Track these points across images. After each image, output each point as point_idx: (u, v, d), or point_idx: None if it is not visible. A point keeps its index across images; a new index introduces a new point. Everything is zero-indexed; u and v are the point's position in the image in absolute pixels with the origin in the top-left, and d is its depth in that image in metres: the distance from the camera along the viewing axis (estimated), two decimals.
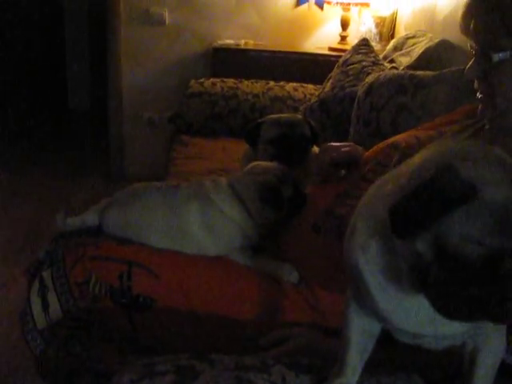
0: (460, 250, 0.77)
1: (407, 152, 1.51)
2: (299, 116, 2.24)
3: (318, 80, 3.44)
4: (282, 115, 2.22)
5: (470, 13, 1.34)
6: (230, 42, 4.01)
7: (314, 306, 1.45)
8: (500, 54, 1.28)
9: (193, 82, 3.58)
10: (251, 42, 4.05)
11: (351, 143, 1.81)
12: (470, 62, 1.38)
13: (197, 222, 1.61)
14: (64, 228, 1.71)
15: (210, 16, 4.11)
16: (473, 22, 1.34)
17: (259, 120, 2.17)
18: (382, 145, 1.67)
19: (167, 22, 4.14)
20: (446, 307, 0.80)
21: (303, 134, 2.07)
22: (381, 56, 3.36)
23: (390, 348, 1.13)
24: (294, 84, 3.55)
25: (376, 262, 0.90)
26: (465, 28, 1.38)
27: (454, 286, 0.78)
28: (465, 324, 0.88)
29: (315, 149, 2.11)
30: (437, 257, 0.79)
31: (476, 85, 1.41)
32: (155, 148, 4.23)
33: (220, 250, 1.61)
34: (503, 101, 1.35)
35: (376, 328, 1.01)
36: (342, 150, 1.70)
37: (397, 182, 0.88)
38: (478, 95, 1.42)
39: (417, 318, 0.90)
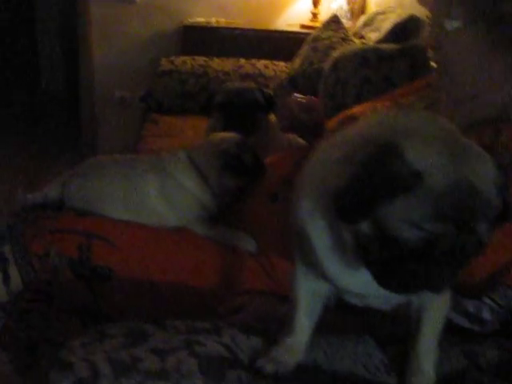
0: (399, 233, 0.79)
1: None
2: (253, 84, 2.25)
3: (290, 57, 3.43)
4: (236, 84, 2.25)
5: None
6: (200, 20, 3.99)
7: (270, 274, 1.47)
8: (453, 23, 1.30)
9: (163, 60, 3.57)
10: (222, 20, 4.02)
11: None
12: (426, 32, 1.40)
13: (154, 193, 1.62)
14: (26, 203, 1.71)
15: None
16: None
17: (214, 90, 2.23)
18: (341, 116, 1.69)
19: (137, 0, 4.10)
20: (387, 282, 0.84)
21: (253, 100, 2.08)
22: (351, 32, 3.37)
23: (341, 310, 1.15)
24: (265, 61, 3.55)
25: (323, 228, 0.91)
26: None
27: (393, 262, 0.81)
28: None
29: (273, 118, 2.13)
30: (377, 236, 0.81)
31: (431, 54, 1.43)
32: (127, 127, 4.20)
33: (178, 221, 1.62)
34: (456, 70, 1.37)
35: (324, 289, 1.02)
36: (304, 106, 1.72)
37: (343, 148, 0.89)
38: (434, 64, 1.44)
39: (363, 279, 0.91)
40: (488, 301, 1.16)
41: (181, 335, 1.01)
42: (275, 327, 1.10)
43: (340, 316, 1.17)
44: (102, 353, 0.94)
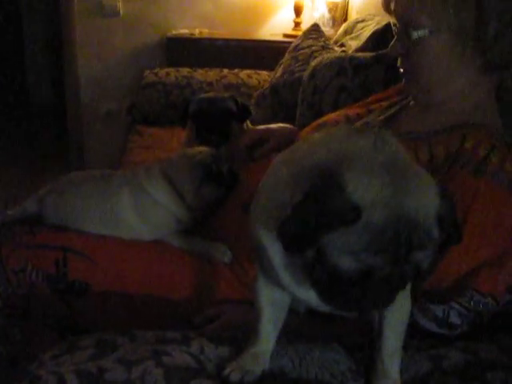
0: (338, 262, 0.83)
1: None
2: (226, 94, 2.27)
3: (273, 67, 3.44)
4: (209, 93, 2.28)
5: None
6: (184, 31, 4.01)
7: (245, 283, 1.48)
8: (419, 32, 1.32)
9: (147, 72, 3.58)
10: (206, 30, 4.05)
11: (281, 124, 1.86)
12: (393, 40, 1.42)
13: (129, 208, 1.63)
14: (5, 219, 1.72)
15: (164, 6, 4.10)
16: (393, 0, 1.38)
17: (188, 100, 2.24)
18: (314, 124, 1.71)
19: (121, 12, 4.12)
20: (329, 301, 0.89)
21: (224, 109, 2.10)
22: (332, 40, 3.40)
23: (310, 319, 1.17)
24: (248, 71, 3.57)
25: (279, 244, 0.92)
26: (386, 6, 1.43)
27: (333, 285, 0.85)
28: None
29: (249, 126, 2.15)
30: (320, 262, 0.84)
31: (399, 62, 1.45)
32: (114, 139, 4.20)
33: (153, 235, 1.64)
34: (423, 77, 1.39)
35: (286, 298, 1.05)
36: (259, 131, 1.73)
37: (292, 169, 0.92)
38: (402, 72, 1.46)
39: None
40: (456, 305, 1.19)
41: (149, 346, 1.03)
42: (243, 335, 1.12)
43: (308, 323, 1.19)
44: (71, 365, 0.96)
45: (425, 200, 0.84)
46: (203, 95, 2.23)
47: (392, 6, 1.39)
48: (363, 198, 0.80)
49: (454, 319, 1.19)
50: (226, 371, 1.00)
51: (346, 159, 0.85)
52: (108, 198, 1.64)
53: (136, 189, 1.66)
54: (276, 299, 1.04)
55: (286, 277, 0.95)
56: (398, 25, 1.40)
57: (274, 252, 0.94)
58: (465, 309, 1.18)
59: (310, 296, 0.94)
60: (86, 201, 1.65)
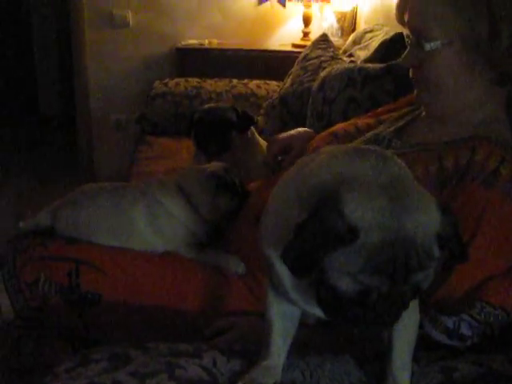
0: (338, 283, 0.85)
1: (345, 140, 1.56)
2: (228, 105, 2.31)
3: (282, 77, 3.46)
4: (212, 104, 2.32)
5: (404, 3, 1.39)
6: (193, 42, 4.04)
7: (258, 296, 1.49)
8: (431, 44, 1.33)
9: (157, 82, 3.61)
10: (215, 41, 4.08)
11: (300, 129, 1.87)
12: (406, 51, 1.43)
13: (143, 221, 1.65)
14: (18, 231, 1.74)
15: (173, 17, 4.14)
16: (407, 11, 1.38)
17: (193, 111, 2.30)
18: (324, 133, 1.71)
19: (131, 23, 4.17)
20: (334, 317, 0.91)
21: (223, 118, 2.13)
22: (341, 50, 3.41)
23: (320, 331, 1.18)
24: (257, 81, 3.59)
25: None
26: (400, 18, 1.43)
27: (336, 304, 0.87)
28: None
29: (254, 135, 2.17)
30: (321, 282, 0.86)
31: (411, 73, 1.46)
32: (123, 149, 4.24)
33: (167, 247, 1.65)
34: (436, 89, 1.40)
35: (296, 311, 1.05)
36: (286, 143, 1.75)
37: (295, 187, 0.94)
38: (414, 83, 1.47)
39: None
40: (466, 317, 1.19)
41: (162, 358, 1.04)
42: (256, 348, 1.12)
43: (317, 335, 1.19)
44: (84, 378, 0.97)
45: (423, 219, 0.85)
46: (206, 106, 2.26)
47: (405, 17, 1.40)
48: (361, 219, 0.82)
49: (465, 331, 1.19)
50: None
51: (346, 180, 0.86)
52: (122, 211, 1.66)
53: (150, 202, 1.67)
54: (286, 313, 1.05)
55: (295, 295, 0.96)
56: (410, 36, 1.41)
57: (283, 271, 0.95)
58: (475, 321, 1.18)
59: (319, 311, 0.95)
60: (100, 213, 1.66)
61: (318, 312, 0.95)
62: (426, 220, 0.85)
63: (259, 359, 1.05)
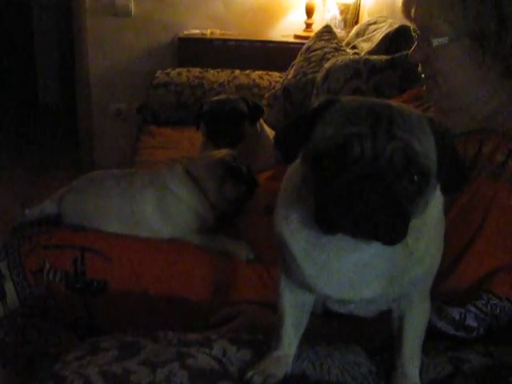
0: (321, 146, 0.85)
1: None
2: (237, 96, 2.30)
3: (284, 68, 3.46)
4: (221, 95, 2.30)
5: None
6: (195, 31, 4.03)
7: (267, 284, 1.49)
8: (439, 39, 1.33)
9: (159, 72, 3.60)
10: (217, 31, 4.07)
11: None
12: (414, 46, 1.43)
13: (152, 208, 1.65)
14: (23, 219, 1.74)
15: (175, 6, 4.12)
16: (414, 7, 1.38)
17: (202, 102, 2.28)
18: None
19: (133, 13, 4.14)
20: (326, 218, 0.84)
21: (234, 109, 2.13)
22: (344, 42, 3.40)
23: (329, 322, 1.18)
24: (260, 72, 3.58)
25: (298, 231, 0.95)
26: (407, 13, 1.43)
27: (324, 189, 0.84)
28: (380, 288, 0.94)
29: (263, 125, 2.16)
30: (313, 169, 0.87)
31: (420, 68, 1.46)
32: (124, 139, 4.24)
33: (175, 234, 1.66)
34: (444, 83, 1.40)
35: (308, 301, 1.05)
36: None
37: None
38: (423, 77, 1.47)
39: (338, 281, 0.95)
40: (472, 308, 1.19)
41: (172, 347, 1.04)
42: (264, 337, 1.12)
43: (326, 325, 1.19)
44: (95, 366, 0.97)
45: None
46: (215, 97, 2.25)
47: (412, 12, 1.39)
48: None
49: (471, 322, 1.19)
50: (249, 374, 1.01)
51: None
52: (130, 197, 1.66)
53: (160, 187, 1.68)
54: (298, 302, 1.05)
55: (305, 266, 0.95)
56: (418, 31, 1.41)
57: (294, 242, 0.96)
58: (481, 312, 1.19)
59: (329, 286, 0.95)
60: (107, 200, 1.66)
61: (328, 288, 0.95)
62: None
63: (270, 349, 1.05)
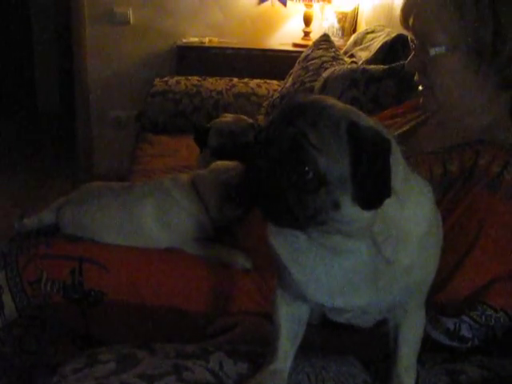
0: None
1: None
2: (247, 121, 2.26)
3: (282, 76, 3.48)
4: (230, 120, 2.23)
5: (409, 8, 1.39)
6: (194, 39, 4.05)
7: (265, 295, 1.49)
8: (436, 49, 1.33)
9: (157, 80, 3.60)
10: (215, 39, 4.08)
11: None
12: (410, 56, 1.43)
13: (151, 215, 1.65)
14: (21, 229, 1.74)
15: (174, 14, 4.14)
16: (412, 16, 1.38)
17: (208, 125, 2.22)
18: None
19: (132, 21, 4.16)
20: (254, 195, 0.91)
21: (245, 143, 2.11)
22: (342, 51, 3.41)
23: (326, 332, 1.18)
24: (258, 80, 3.59)
25: (284, 236, 0.96)
26: (404, 22, 1.43)
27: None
28: (369, 295, 0.94)
29: None
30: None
31: (417, 77, 1.46)
32: (123, 147, 4.24)
33: (173, 242, 1.66)
34: (441, 93, 1.40)
35: (304, 314, 1.05)
36: None
37: None
38: (420, 88, 1.47)
39: (327, 288, 0.95)
40: (467, 319, 1.19)
41: (169, 360, 1.04)
42: (261, 350, 1.12)
43: (321, 335, 1.20)
44: (92, 379, 0.97)
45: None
46: (224, 124, 2.19)
47: (410, 22, 1.40)
48: None
49: (465, 332, 1.19)
50: None
51: None
52: (129, 208, 1.67)
53: (161, 196, 1.68)
54: (294, 316, 1.05)
55: (296, 272, 0.96)
56: (415, 40, 1.41)
57: (282, 247, 0.97)
58: (476, 323, 1.19)
59: (319, 291, 0.95)
60: (105, 212, 1.67)
61: (318, 294, 0.96)
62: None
63: (265, 363, 1.05)
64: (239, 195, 1.67)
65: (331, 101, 0.88)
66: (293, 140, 0.83)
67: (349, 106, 0.89)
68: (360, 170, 0.82)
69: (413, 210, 0.93)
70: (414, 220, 0.93)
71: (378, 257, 0.90)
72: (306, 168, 0.82)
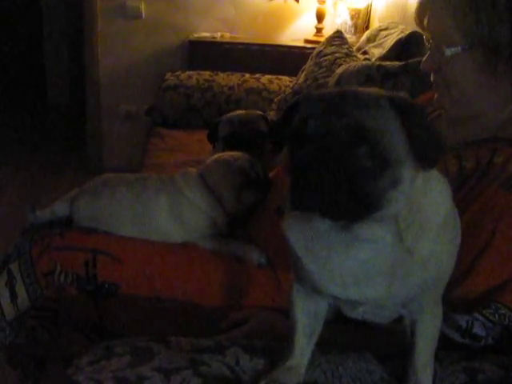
0: (290, 131, 0.90)
1: None
2: (257, 112, 2.27)
3: (294, 72, 3.46)
4: (239, 112, 2.26)
5: (424, 8, 1.38)
6: (206, 34, 4.03)
7: (280, 289, 1.49)
8: (452, 49, 1.32)
9: (169, 74, 3.60)
10: (227, 34, 4.07)
11: None
12: (426, 55, 1.42)
13: (165, 212, 1.65)
14: (34, 221, 1.74)
15: (186, 9, 4.12)
16: (427, 16, 1.37)
17: (218, 119, 2.23)
18: None
19: (144, 15, 4.15)
20: (291, 197, 0.88)
21: (256, 130, 2.11)
22: (355, 47, 3.40)
23: (341, 328, 1.17)
24: (270, 76, 3.58)
25: (298, 227, 0.96)
26: (419, 22, 1.42)
27: (291, 174, 0.87)
28: (384, 287, 0.94)
29: None
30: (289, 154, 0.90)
31: (432, 76, 1.45)
32: (133, 141, 4.25)
33: (187, 238, 1.66)
34: (456, 92, 1.39)
35: (321, 309, 1.05)
36: None
37: None
38: (434, 86, 1.46)
39: (341, 279, 0.94)
40: (480, 317, 1.18)
41: (185, 354, 1.03)
42: (277, 345, 1.12)
43: (339, 332, 1.19)
44: (109, 372, 0.97)
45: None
46: (233, 115, 2.21)
47: (425, 22, 1.39)
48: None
49: (479, 331, 1.18)
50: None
51: None
52: (144, 202, 1.66)
53: (173, 192, 1.68)
54: (311, 311, 1.04)
55: (309, 263, 0.96)
56: (430, 40, 1.40)
57: (295, 238, 0.97)
58: (489, 321, 1.18)
59: (333, 281, 0.95)
60: (120, 204, 1.66)
61: (332, 286, 0.95)
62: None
63: (282, 358, 1.05)
64: (256, 179, 1.67)
65: (354, 88, 0.91)
66: (352, 131, 0.84)
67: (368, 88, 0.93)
68: (415, 133, 0.86)
69: (433, 198, 0.95)
70: (435, 207, 0.95)
71: (398, 246, 0.90)
72: (371, 154, 0.84)
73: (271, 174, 1.79)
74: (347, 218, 0.88)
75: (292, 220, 0.97)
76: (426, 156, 0.88)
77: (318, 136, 0.85)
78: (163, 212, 1.65)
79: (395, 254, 0.92)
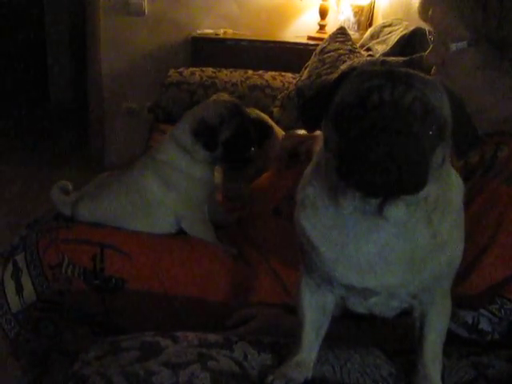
0: (342, 102, 0.87)
1: None
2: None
3: (297, 69, 3.45)
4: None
5: (428, 1, 1.37)
6: (209, 31, 4.03)
7: (286, 287, 1.49)
8: (458, 44, 1.31)
9: (172, 71, 3.59)
10: (230, 31, 4.07)
11: (317, 134, 1.85)
12: (430, 49, 1.41)
13: (156, 185, 1.66)
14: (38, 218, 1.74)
15: (189, 6, 4.13)
16: (431, 10, 1.36)
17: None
18: None
19: (146, 11, 4.15)
20: (346, 169, 0.84)
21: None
22: (358, 44, 3.39)
23: (348, 324, 1.17)
24: (273, 73, 3.57)
25: (314, 214, 0.95)
26: (423, 12, 1.41)
27: (345, 139, 0.85)
28: (402, 273, 0.93)
29: (279, 133, 2.14)
30: (335, 127, 0.87)
31: (433, 71, 1.44)
32: (135, 138, 4.23)
33: (185, 207, 1.66)
34: (460, 87, 1.38)
35: (329, 303, 1.04)
36: (301, 140, 1.72)
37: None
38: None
39: (358, 265, 0.94)
40: (485, 312, 1.18)
41: (193, 349, 1.03)
42: (284, 341, 1.11)
43: (347, 327, 1.19)
44: (117, 366, 0.96)
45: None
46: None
47: (430, 14, 1.38)
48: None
49: (485, 326, 1.18)
50: (269, 379, 1.00)
51: None
52: (135, 186, 1.67)
53: (155, 164, 1.68)
54: (319, 305, 1.04)
55: (326, 251, 0.95)
56: (434, 33, 1.39)
57: (312, 227, 0.96)
58: (495, 316, 1.18)
59: (349, 269, 0.94)
60: (117, 202, 1.67)
61: (349, 274, 0.95)
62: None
63: (291, 354, 1.04)
64: (208, 135, 1.65)
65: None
66: (422, 102, 0.84)
67: None
68: (462, 121, 0.89)
69: (453, 182, 0.97)
70: (455, 191, 0.96)
71: (422, 229, 0.91)
72: (434, 128, 0.84)
73: (265, 176, 1.79)
74: (397, 192, 0.85)
75: (308, 209, 0.96)
76: (465, 146, 0.91)
77: (385, 106, 0.83)
78: (154, 185, 1.66)
79: (418, 237, 0.91)
